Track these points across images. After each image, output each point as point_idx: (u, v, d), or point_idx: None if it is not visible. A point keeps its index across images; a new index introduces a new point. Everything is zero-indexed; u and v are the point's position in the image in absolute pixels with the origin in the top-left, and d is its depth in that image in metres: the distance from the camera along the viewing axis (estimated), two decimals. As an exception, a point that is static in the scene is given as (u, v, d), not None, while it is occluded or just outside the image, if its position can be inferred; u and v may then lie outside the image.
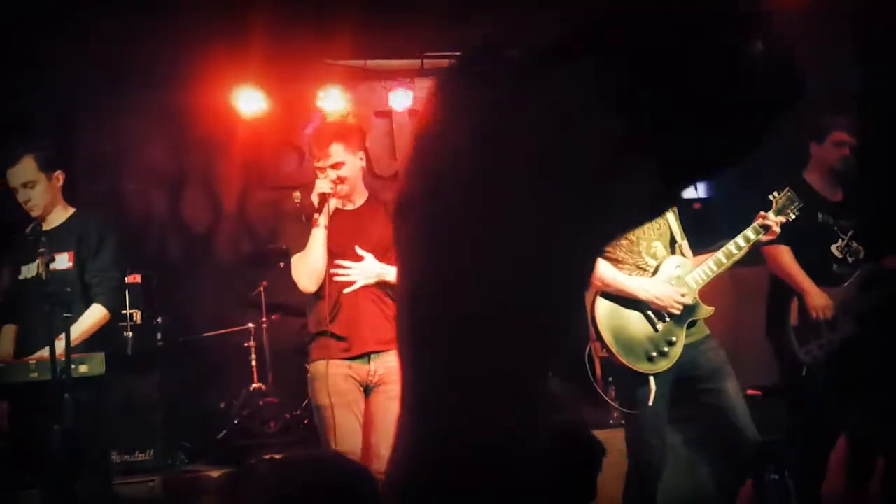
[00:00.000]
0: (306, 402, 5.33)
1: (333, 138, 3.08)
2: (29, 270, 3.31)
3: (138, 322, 5.15)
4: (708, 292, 3.46)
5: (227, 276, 6.19)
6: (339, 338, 3.03)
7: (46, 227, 3.39)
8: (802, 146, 3.91)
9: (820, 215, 3.73)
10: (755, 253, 3.46)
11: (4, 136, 4.42)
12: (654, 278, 3.21)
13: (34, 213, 3.40)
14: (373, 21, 5.54)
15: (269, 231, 6.44)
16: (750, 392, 4.32)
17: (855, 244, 3.70)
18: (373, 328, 3.06)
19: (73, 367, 2.54)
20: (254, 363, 5.51)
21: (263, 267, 5.65)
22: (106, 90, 5.97)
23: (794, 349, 3.66)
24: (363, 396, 3.06)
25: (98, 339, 3.23)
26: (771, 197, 3.37)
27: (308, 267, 3.02)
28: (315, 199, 3.01)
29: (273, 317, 5.59)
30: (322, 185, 3.03)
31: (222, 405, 5.47)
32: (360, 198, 3.22)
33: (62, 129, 6.07)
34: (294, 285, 5.29)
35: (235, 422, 5.17)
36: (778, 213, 3.31)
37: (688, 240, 3.40)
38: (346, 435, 2.95)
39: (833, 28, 5.21)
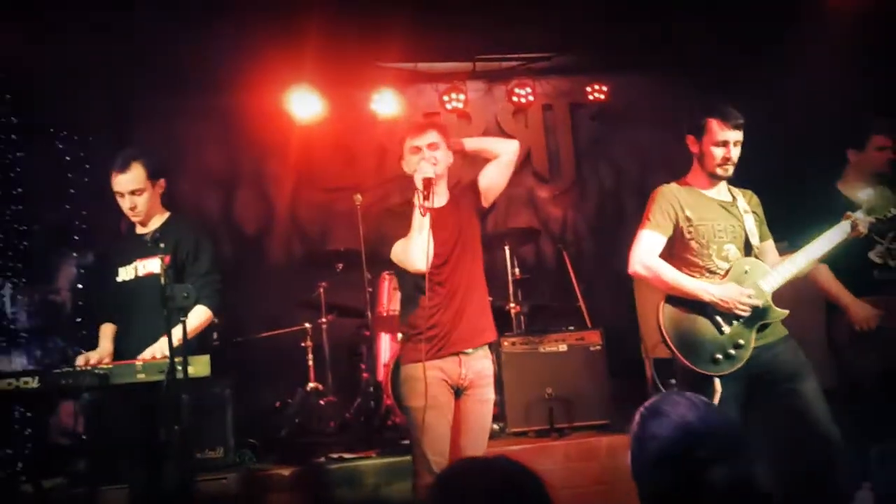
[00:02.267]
0: (358, 401, 5.38)
1: (432, 126, 3.29)
2: (126, 272, 3.37)
3: (195, 321, 5.22)
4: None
5: (280, 277, 6.26)
6: (430, 339, 3.06)
7: (143, 231, 3.43)
8: (838, 155, 3.87)
9: None
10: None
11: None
12: (723, 281, 3.20)
13: (136, 219, 3.44)
14: (424, 24, 5.59)
15: (322, 232, 6.52)
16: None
17: None
18: (467, 324, 3.09)
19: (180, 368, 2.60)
20: (310, 363, 5.56)
21: (320, 268, 5.71)
22: (162, 94, 6.06)
23: (850, 362, 3.64)
24: (454, 399, 3.09)
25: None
26: (863, 195, 3.31)
27: (418, 247, 3.00)
28: (419, 183, 3.01)
29: (328, 317, 5.63)
30: (426, 168, 3.03)
31: (277, 404, 5.53)
32: (443, 196, 3.24)
33: (119, 133, 6.17)
34: (351, 286, 5.43)
35: (296, 421, 5.21)
36: (869, 212, 3.26)
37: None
38: (437, 437, 2.97)
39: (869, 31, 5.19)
